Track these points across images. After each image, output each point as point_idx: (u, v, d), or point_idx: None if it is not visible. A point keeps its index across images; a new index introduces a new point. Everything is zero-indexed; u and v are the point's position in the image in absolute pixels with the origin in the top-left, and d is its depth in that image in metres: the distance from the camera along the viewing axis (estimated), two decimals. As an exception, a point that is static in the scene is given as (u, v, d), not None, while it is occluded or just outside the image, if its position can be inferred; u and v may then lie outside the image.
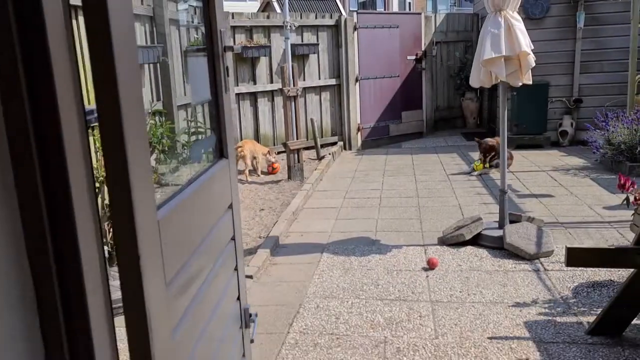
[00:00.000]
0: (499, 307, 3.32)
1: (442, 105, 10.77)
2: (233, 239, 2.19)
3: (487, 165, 7.02)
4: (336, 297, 3.55)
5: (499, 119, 4.69)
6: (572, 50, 8.32)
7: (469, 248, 4.32)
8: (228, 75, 2.13)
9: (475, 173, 6.94)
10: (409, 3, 22.15)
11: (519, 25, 4.01)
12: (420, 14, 10.42)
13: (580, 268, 3.70)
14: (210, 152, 2.08)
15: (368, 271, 3.97)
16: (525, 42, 3.97)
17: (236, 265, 2.22)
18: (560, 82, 8.41)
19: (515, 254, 4.08)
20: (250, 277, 3.89)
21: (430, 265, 3.98)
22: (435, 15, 10.49)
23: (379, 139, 9.54)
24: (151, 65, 5.65)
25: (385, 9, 20.42)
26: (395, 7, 20.77)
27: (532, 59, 4.00)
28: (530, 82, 4.17)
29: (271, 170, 7.37)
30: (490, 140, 7.04)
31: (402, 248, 4.41)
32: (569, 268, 3.80)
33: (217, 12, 2.02)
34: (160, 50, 5.64)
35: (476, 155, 7.24)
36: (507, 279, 3.70)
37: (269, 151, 7.39)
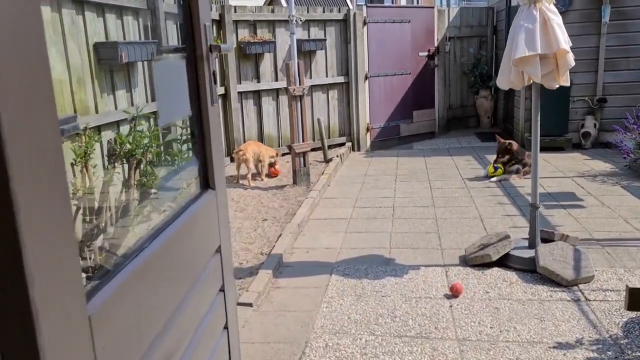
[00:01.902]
0: (538, 348, 2.84)
1: (455, 103, 10.26)
2: (222, 290, 1.73)
3: (498, 164, 6.53)
4: (348, 333, 3.08)
5: (532, 122, 4.18)
6: (596, 46, 7.78)
7: (495, 270, 3.85)
8: (215, 83, 1.66)
9: (494, 179, 6.45)
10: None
11: (557, 20, 3.51)
12: (432, 7, 9.88)
13: (627, 298, 3.22)
14: (188, 185, 1.61)
15: (383, 298, 3.51)
16: (563, 39, 3.48)
17: (226, 323, 1.76)
18: (583, 80, 7.87)
19: (550, 279, 3.61)
20: (250, 305, 3.43)
21: (454, 292, 3.51)
22: (448, 10, 9.97)
23: (389, 139, 9.05)
24: (145, 63, 5.20)
25: (393, 3, 19.84)
26: (403, 1, 20.16)
27: (571, 57, 3.51)
28: (568, 84, 3.68)
29: (273, 172, 6.93)
30: (509, 142, 6.53)
31: (421, 269, 3.94)
32: (614, 298, 3.33)
33: (200, 1, 1.55)
34: (154, 47, 5.19)
35: (493, 157, 6.73)
36: (543, 311, 3.22)
37: (276, 153, 6.97)
